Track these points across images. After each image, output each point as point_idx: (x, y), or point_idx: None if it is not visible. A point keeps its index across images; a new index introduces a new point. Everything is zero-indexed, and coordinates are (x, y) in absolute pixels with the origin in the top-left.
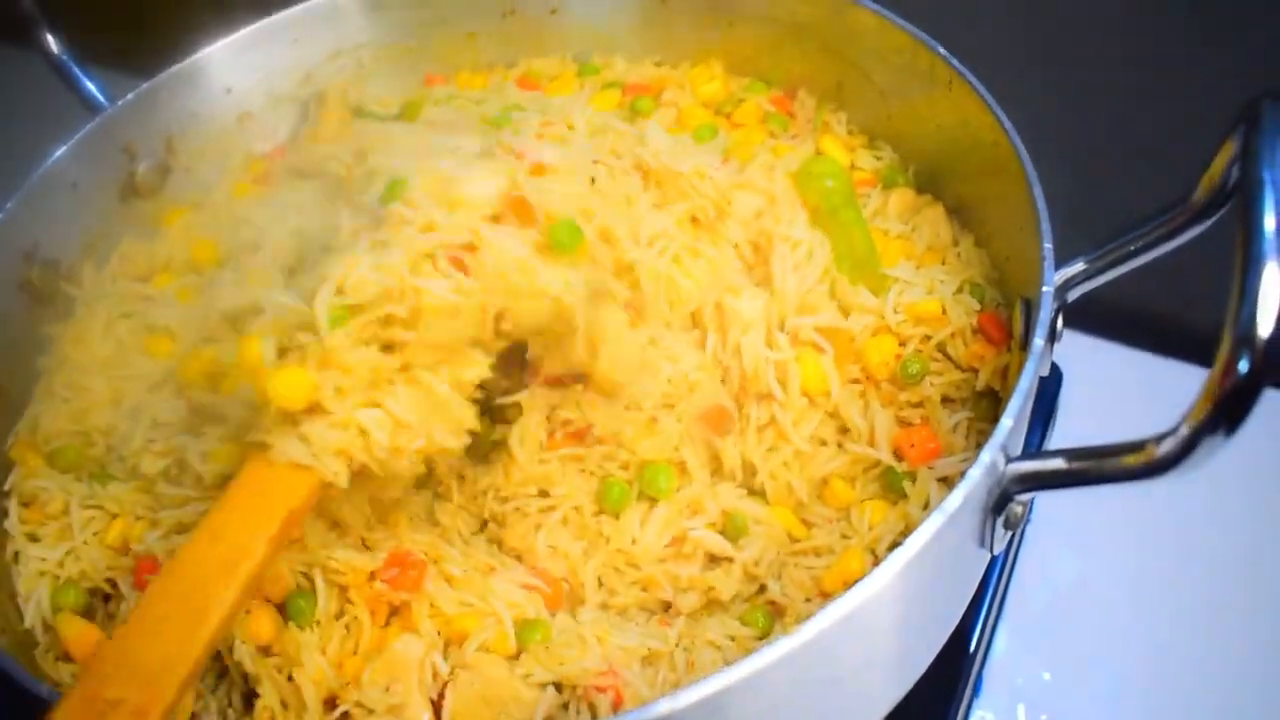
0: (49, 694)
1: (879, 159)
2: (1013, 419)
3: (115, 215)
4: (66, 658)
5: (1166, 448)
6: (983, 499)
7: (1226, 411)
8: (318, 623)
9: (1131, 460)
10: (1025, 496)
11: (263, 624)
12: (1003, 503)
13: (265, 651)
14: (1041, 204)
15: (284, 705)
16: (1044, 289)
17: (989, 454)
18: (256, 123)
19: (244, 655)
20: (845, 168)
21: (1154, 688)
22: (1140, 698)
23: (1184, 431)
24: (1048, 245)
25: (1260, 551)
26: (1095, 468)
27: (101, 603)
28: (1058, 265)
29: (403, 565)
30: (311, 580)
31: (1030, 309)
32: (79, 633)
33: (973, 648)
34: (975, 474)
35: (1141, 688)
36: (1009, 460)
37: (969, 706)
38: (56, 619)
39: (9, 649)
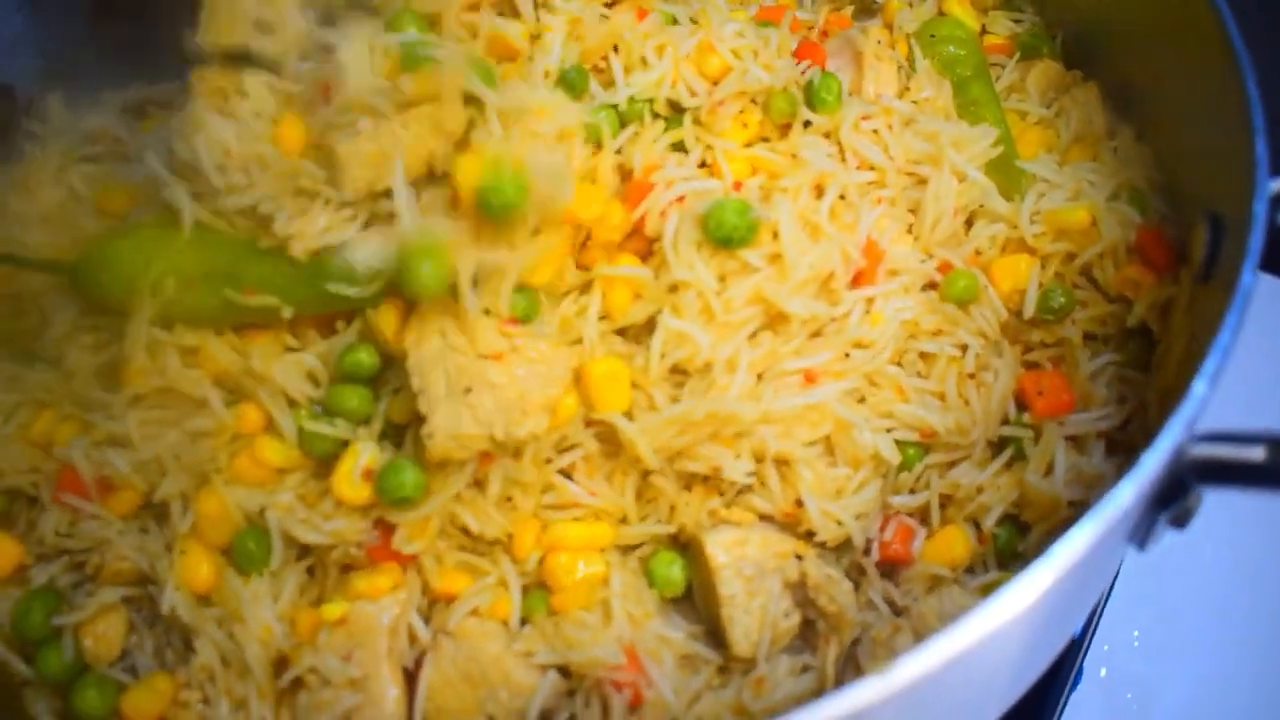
0: None
1: (1018, 22)
2: (1207, 384)
3: (86, 40)
4: None
5: None
6: (1151, 490)
7: None
8: (271, 571)
9: None
10: (1204, 489)
11: (200, 568)
12: (1175, 494)
13: (205, 601)
14: (1252, 85)
15: (225, 663)
16: (1255, 206)
17: (1173, 435)
18: None
19: (178, 603)
20: (974, 32)
21: (1249, 655)
22: (1232, 664)
23: None
24: (1260, 142)
25: None
26: None
27: (25, 507)
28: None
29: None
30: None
31: (1219, 229)
32: None
33: (1080, 633)
34: (1153, 462)
35: (1235, 655)
36: (1194, 440)
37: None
38: None
39: None
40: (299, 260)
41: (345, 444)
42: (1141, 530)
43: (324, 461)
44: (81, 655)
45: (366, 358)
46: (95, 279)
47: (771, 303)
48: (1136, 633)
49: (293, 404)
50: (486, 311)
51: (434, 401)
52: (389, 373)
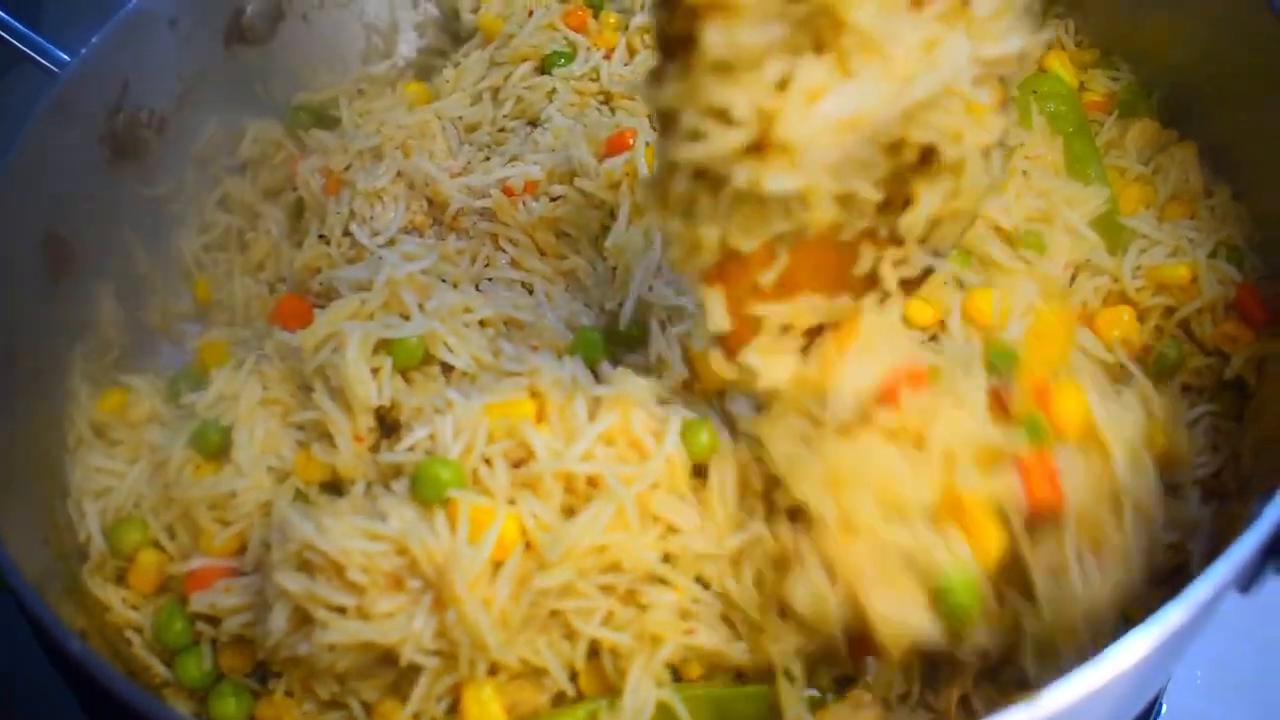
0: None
1: (1115, 80)
2: None
3: (217, 63)
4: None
5: None
6: (1268, 540)
7: None
8: None
9: None
10: None
11: None
12: None
13: None
14: None
15: None
16: None
17: None
18: None
19: None
20: (1074, 89)
21: None
22: None
23: None
24: None
25: None
26: None
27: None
28: None
29: None
30: None
31: None
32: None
33: None
34: (1275, 513)
35: None
36: None
37: None
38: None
39: (55, 560)
40: None
41: None
42: (1247, 576)
43: None
44: (218, 665)
45: None
46: None
47: None
48: (1199, 671)
49: None
50: None
51: None
52: None
